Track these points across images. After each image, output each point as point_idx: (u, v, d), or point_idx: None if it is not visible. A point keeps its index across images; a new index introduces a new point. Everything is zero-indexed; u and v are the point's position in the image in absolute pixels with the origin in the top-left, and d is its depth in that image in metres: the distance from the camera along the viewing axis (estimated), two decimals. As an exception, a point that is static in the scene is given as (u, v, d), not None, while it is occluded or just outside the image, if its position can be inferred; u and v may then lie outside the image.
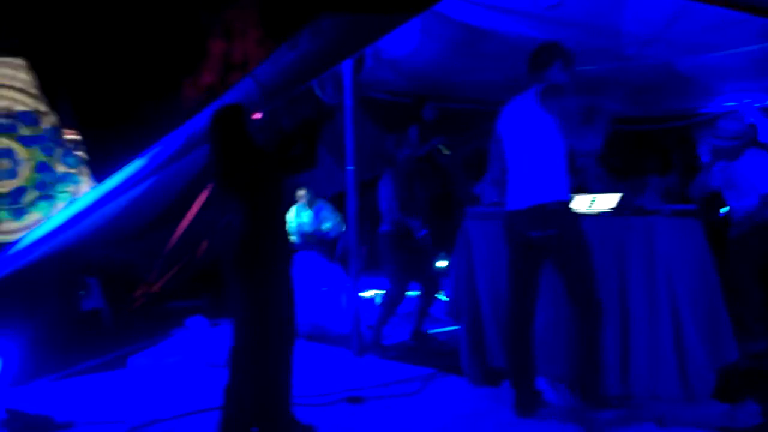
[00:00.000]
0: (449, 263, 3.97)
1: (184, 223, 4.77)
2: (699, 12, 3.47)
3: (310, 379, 3.90)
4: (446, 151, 5.29)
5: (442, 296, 5.62)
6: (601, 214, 3.38)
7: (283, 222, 3.03)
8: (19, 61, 7.83)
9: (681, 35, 4.00)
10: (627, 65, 4.55)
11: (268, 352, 2.87)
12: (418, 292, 4.94)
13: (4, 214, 5.47)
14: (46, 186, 5.67)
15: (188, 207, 4.59)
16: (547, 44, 3.14)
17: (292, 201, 6.21)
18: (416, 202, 4.75)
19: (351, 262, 4.62)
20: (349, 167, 4.55)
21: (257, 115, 3.06)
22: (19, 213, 5.52)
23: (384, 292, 4.91)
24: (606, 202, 3.44)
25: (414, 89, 5.76)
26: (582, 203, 3.53)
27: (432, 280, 4.88)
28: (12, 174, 5.62)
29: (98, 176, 8.15)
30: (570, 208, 3.10)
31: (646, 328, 3.10)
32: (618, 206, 3.40)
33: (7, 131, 5.73)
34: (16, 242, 3.98)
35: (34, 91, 7.82)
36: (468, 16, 3.76)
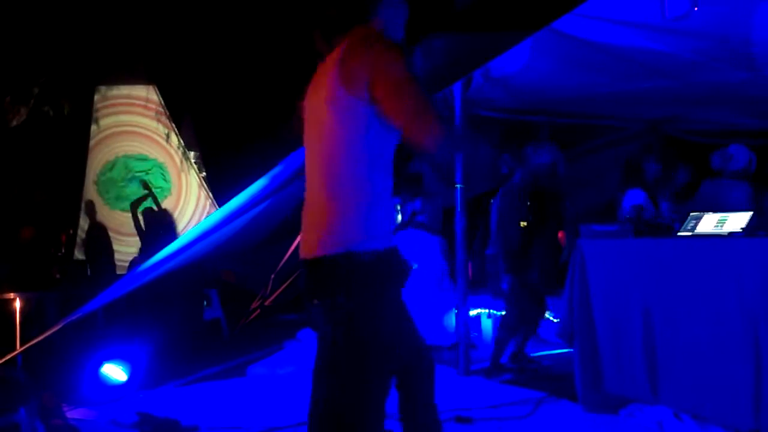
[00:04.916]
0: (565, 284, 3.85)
1: (297, 240, 4.96)
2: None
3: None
4: None
5: (550, 317, 5.47)
6: (732, 235, 3.17)
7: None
8: (150, 87, 8.61)
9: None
10: (756, 76, 4.27)
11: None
12: (504, 312, 4.83)
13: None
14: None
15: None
16: None
17: None
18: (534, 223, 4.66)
19: (459, 281, 4.61)
20: (457, 184, 4.55)
21: None
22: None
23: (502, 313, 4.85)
24: (737, 221, 3.23)
25: (522, 106, 5.69)
26: (710, 223, 3.33)
27: (542, 304, 4.75)
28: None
29: (216, 191, 8.76)
30: (375, 267, 1.76)
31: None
32: (748, 226, 3.18)
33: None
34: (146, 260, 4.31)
35: (163, 115, 8.55)
36: (585, 31, 3.68)
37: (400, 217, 5.66)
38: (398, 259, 1.84)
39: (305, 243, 1.81)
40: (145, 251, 6.45)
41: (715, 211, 3.39)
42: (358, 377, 1.73)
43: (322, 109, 1.78)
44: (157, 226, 6.40)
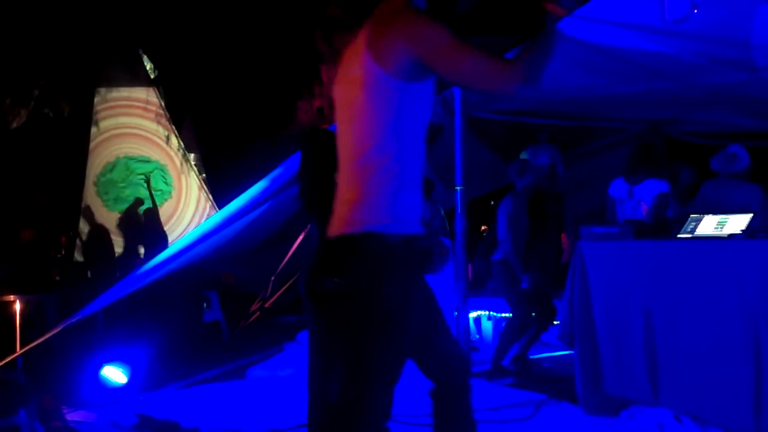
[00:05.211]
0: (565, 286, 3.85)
1: (297, 242, 4.97)
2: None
3: (414, 399, 3.90)
4: None
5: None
6: (732, 237, 3.17)
7: None
8: (150, 89, 8.63)
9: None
10: (756, 77, 4.27)
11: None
12: (509, 314, 4.82)
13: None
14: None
15: (302, 227, 4.78)
16: None
17: None
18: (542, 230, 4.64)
19: (458, 283, 4.61)
20: (457, 186, 4.55)
21: None
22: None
23: (508, 315, 4.83)
24: (737, 223, 3.23)
25: (522, 108, 5.70)
26: (709, 225, 3.33)
27: (549, 307, 4.73)
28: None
29: (216, 194, 8.76)
30: (398, 250, 1.64)
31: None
32: (749, 228, 3.18)
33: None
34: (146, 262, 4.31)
35: (163, 117, 8.56)
36: (586, 33, 3.68)
37: None
38: (424, 245, 1.74)
39: (332, 221, 1.72)
40: (146, 248, 6.55)
41: (717, 212, 3.39)
42: (363, 360, 1.59)
43: (352, 90, 1.67)
44: (152, 224, 6.50)
